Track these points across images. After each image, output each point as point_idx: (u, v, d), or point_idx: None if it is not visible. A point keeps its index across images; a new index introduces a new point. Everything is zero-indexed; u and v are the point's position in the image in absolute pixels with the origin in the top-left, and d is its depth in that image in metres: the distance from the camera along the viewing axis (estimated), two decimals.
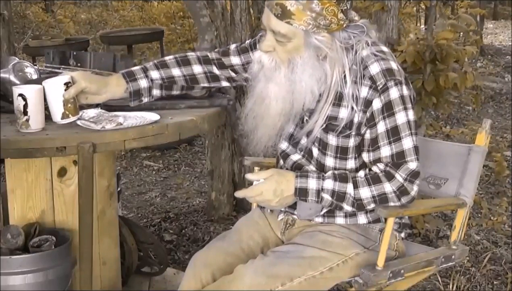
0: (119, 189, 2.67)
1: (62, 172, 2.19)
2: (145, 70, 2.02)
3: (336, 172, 1.82)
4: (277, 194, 1.80)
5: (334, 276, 1.86)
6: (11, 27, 4.11)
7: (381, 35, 3.32)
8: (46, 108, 1.95)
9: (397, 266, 1.89)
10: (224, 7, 3.37)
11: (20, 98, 1.85)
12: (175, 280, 2.69)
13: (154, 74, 2.02)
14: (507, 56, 8.91)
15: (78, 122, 1.91)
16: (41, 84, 1.91)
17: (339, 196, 1.80)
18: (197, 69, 2.07)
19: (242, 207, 3.55)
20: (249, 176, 1.84)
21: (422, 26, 7.52)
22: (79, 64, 2.50)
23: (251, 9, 3.51)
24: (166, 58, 2.08)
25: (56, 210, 2.22)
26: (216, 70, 2.09)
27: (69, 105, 1.89)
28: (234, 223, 2.40)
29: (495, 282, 2.93)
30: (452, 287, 2.82)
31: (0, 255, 2.02)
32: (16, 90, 1.87)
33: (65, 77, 1.91)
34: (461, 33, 4.04)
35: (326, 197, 1.80)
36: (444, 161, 2.10)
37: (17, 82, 2.10)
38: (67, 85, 1.89)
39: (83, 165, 1.86)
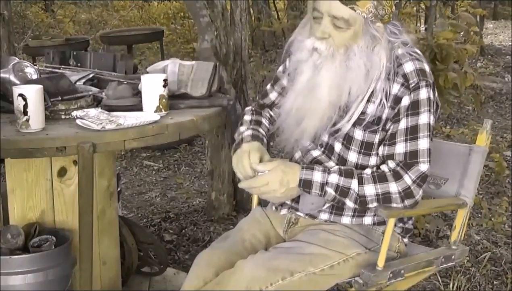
0: (119, 189, 2.67)
1: (62, 172, 2.18)
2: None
3: (342, 167, 1.82)
4: (283, 184, 1.79)
5: (334, 274, 1.85)
6: (11, 27, 4.09)
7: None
8: (47, 108, 1.95)
9: (397, 266, 1.90)
10: (224, 7, 3.36)
11: (20, 98, 1.85)
12: (175, 280, 2.69)
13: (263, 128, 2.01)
14: (507, 56, 8.89)
15: (78, 122, 1.91)
16: (40, 84, 1.91)
17: (343, 191, 1.79)
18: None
19: (242, 207, 3.54)
20: (255, 166, 1.82)
21: (422, 26, 7.51)
22: (79, 64, 2.50)
23: (251, 9, 3.51)
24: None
25: (56, 210, 2.22)
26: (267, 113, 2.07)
27: (163, 100, 2.02)
28: (234, 223, 2.40)
29: (495, 282, 2.92)
30: (452, 287, 2.82)
31: (0, 255, 2.02)
32: (16, 90, 1.87)
33: (163, 74, 2.08)
34: (461, 33, 4.04)
35: (330, 191, 1.79)
36: (445, 161, 2.10)
37: (17, 82, 2.11)
38: (165, 81, 2.03)
39: (83, 165, 1.86)
